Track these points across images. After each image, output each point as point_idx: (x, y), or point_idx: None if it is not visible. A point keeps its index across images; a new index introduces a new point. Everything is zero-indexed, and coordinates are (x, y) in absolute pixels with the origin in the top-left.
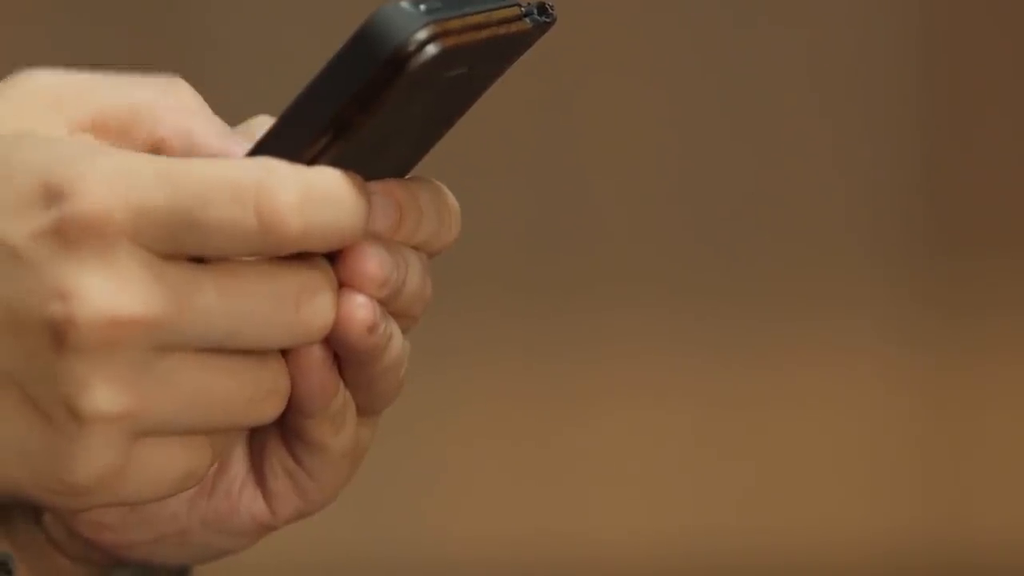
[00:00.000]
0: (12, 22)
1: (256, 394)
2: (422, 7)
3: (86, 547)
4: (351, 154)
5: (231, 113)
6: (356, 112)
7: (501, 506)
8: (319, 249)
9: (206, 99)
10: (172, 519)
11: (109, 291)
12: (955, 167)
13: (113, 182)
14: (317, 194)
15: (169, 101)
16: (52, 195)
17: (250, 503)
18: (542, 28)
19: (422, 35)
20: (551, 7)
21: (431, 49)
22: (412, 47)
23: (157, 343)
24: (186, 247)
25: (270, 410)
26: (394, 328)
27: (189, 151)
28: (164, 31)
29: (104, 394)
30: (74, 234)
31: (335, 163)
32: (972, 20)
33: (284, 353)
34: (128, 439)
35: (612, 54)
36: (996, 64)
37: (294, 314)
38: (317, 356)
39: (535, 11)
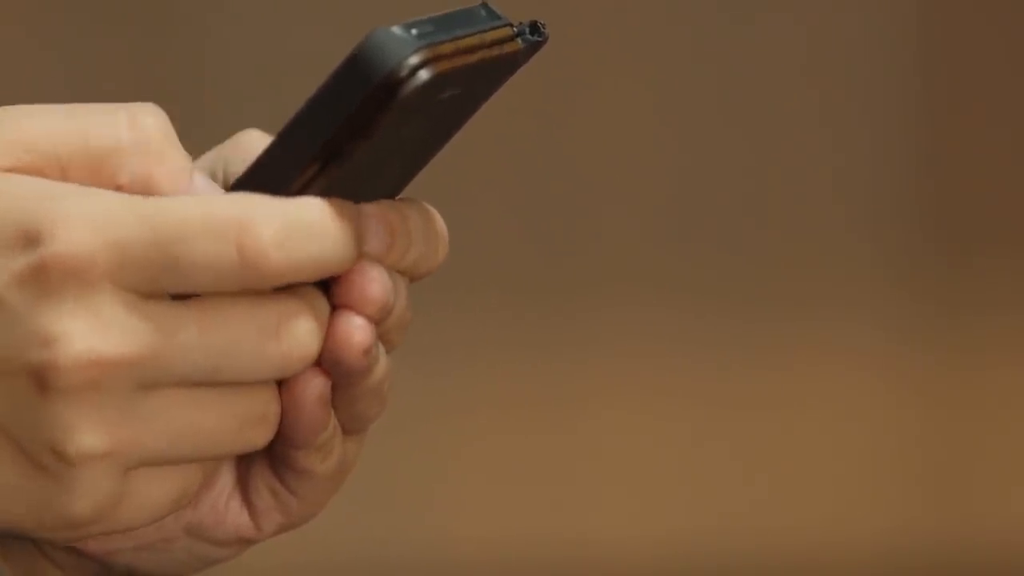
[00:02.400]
0: (12, 22)
1: (245, 423)
2: (414, 31)
3: (78, 559)
4: (343, 179)
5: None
6: (348, 138)
7: (501, 506)
8: (303, 280)
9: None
10: (157, 528)
11: (90, 333)
12: (955, 167)
13: (92, 223)
14: (299, 228)
15: (128, 141)
16: (30, 238)
17: (235, 517)
18: (534, 47)
19: (414, 60)
20: (543, 26)
21: (423, 74)
22: (404, 72)
23: (141, 382)
24: (167, 285)
25: (259, 439)
26: (380, 349)
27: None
28: (165, 33)
29: (90, 436)
30: (54, 277)
31: (327, 188)
32: (971, 20)
33: (280, 381)
34: (120, 473)
35: (611, 54)
36: (995, 63)
37: (276, 346)
38: (313, 393)
39: (527, 31)
